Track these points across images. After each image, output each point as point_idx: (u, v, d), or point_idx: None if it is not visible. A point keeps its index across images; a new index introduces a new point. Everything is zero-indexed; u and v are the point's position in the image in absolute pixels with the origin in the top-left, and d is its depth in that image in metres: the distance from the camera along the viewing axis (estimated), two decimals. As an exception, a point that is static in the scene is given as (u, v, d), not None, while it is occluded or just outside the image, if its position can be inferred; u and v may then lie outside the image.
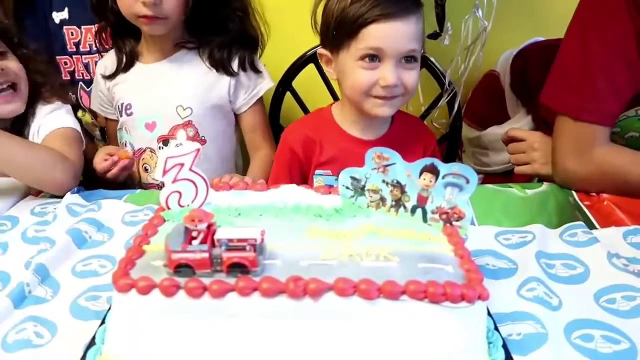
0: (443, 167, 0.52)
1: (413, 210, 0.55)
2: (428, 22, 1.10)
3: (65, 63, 1.17)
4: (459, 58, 1.11)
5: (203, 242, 0.45)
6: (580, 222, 0.72)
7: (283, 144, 0.91)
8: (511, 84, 1.21)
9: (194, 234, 0.46)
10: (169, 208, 0.56)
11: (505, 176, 1.21)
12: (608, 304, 0.56)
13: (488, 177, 1.24)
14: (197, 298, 0.44)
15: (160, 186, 1.01)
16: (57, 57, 1.16)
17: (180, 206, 0.56)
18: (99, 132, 1.20)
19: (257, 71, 1.03)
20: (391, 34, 0.76)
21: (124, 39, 1.00)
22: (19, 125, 0.94)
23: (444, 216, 0.53)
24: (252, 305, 0.44)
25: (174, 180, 0.55)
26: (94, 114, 1.19)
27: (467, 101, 1.33)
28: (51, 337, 0.52)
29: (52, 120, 0.93)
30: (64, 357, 0.49)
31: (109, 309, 0.51)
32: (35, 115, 0.94)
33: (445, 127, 1.22)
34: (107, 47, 1.05)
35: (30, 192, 0.87)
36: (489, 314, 0.52)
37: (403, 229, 0.53)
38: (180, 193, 0.56)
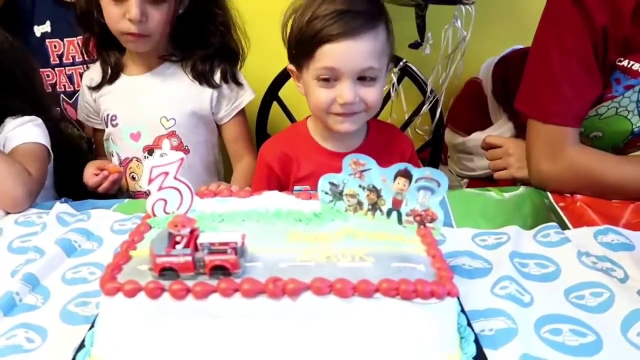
0: (416, 172, 0.55)
1: (389, 213, 0.57)
2: (410, 31, 1.15)
3: (48, 76, 1.19)
4: (439, 67, 1.14)
5: (186, 246, 0.48)
6: (554, 223, 0.74)
7: (260, 160, 0.92)
8: (493, 91, 1.24)
9: (178, 238, 0.48)
10: (154, 215, 0.58)
11: (490, 180, 1.24)
12: (577, 300, 0.59)
13: (473, 181, 1.27)
14: (181, 300, 0.46)
15: (147, 194, 1.03)
16: (41, 69, 1.17)
17: (166, 213, 0.58)
18: (86, 144, 1.22)
19: (238, 83, 1.06)
20: (345, 53, 0.77)
21: (109, 51, 1.02)
22: None
23: (417, 218, 0.56)
24: (234, 306, 0.46)
25: (159, 189, 0.57)
26: (81, 126, 1.21)
27: (450, 108, 1.36)
28: (42, 342, 0.54)
29: (20, 134, 0.93)
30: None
31: (98, 313, 0.53)
32: (4, 128, 0.94)
33: (428, 134, 1.25)
34: (92, 58, 1.07)
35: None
36: (463, 311, 0.55)
37: (379, 231, 0.55)
38: (165, 201, 0.58)
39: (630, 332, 0.53)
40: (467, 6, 1.03)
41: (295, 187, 0.89)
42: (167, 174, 0.57)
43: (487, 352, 0.51)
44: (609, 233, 0.72)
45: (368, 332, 0.46)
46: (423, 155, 1.29)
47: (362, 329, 0.46)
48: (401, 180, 0.56)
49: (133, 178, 1.04)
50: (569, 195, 0.84)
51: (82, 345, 0.51)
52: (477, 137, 1.23)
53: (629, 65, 0.83)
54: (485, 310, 0.57)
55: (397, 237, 0.55)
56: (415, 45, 1.14)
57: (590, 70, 0.83)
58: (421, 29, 1.13)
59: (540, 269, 0.65)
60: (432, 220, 0.56)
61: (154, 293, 0.46)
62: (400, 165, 0.56)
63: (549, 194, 0.86)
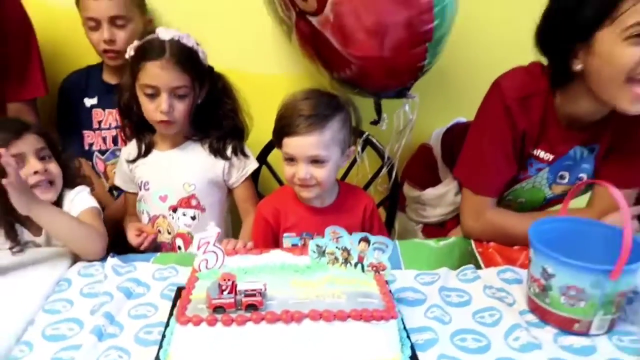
0: (372, 239, 0.86)
1: (355, 265, 0.87)
2: (371, 112, 1.47)
3: (88, 136, 1.51)
4: (393, 140, 1.47)
5: (230, 292, 0.76)
6: (471, 265, 1.06)
7: (258, 214, 1.21)
8: (442, 155, 1.56)
9: (224, 287, 0.77)
10: (200, 270, 0.87)
11: (439, 226, 1.57)
12: (480, 319, 0.90)
13: (426, 227, 1.58)
14: (228, 326, 0.75)
15: (169, 244, 1.31)
16: (83, 130, 1.51)
17: (207, 269, 0.87)
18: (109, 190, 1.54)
19: (245, 155, 1.34)
20: (297, 146, 1.06)
21: (144, 132, 1.31)
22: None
23: (374, 268, 0.86)
24: (261, 329, 0.75)
25: (204, 252, 0.86)
26: (106, 177, 1.52)
27: (407, 166, 1.67)
28: (129, 358, 0.81)
29: (80, 201, 1.18)
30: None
31: (162, 337, 0.81)
32: (64, 199, 1.20)
33: (386, 190, 1.57)
34: (129, 137, 1.36)
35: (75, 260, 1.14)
36: (405, 328, 0.85)
37: (349, 277, 0.85)
38: (207, 260, 0.87)
39: (509, 339, 0.84)
40: (411, 99, 1.35)
41: (285, 234, 1.18)
42: (208, 243, 0.86)
43: (419, 354, 0.80)
44: (507, 272, 1.04)
45: (344, 342, 0.75)
46: (385, 205, 1.61)
47: (340, 340, 0.75)
48: (363, 244, 0.86)
49: (159, 231, 1.31)
50: (486, 242, 1.16)
51: (157, 358, 0.78)
52: (429, 192, 1.54)
53: (538, 154, 1.17)
54: (419, 327, 0.87)
55: (361, 281, 0.85)
56: (375, 123, 1.45)
57: (509, 159, 1.15)
58: (378, 111, 1.45)
59: (459, 298, 0.96)
60: (383, 269, 0.86)
61: (212, 323, 0.74)
62: (362, 234, 0.86)
63: (472, 242, 1.18)
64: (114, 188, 1.51)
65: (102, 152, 1.52)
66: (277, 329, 0.75)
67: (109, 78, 1.52)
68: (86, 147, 1.51)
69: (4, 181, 0.96)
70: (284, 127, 1.07)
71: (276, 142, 1.12)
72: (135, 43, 1.21)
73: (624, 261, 0.78)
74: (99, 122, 1.51)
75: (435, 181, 1.55)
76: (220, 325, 0.75)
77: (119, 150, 1.47)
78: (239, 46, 1.61)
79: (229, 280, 0.77)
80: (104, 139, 1.51)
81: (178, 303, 0.80)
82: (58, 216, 1.08)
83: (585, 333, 0.85)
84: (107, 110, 1.50)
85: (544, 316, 0.88)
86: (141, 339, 0.85)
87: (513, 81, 1.12)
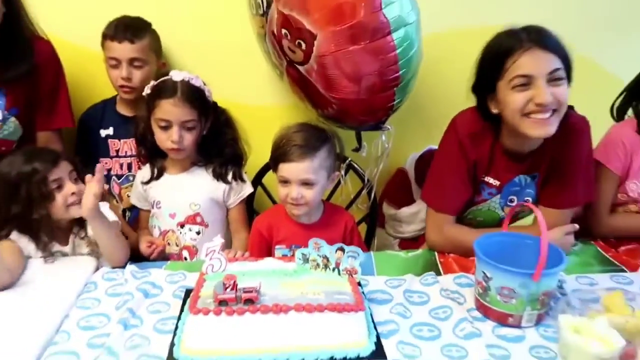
0: (347, 248, 1.06)
1: (333, 270, 1.08)
2: (353, 140, 1.69)
3: (106, 163, 1.72)
4: (372, 165, 1.69)
5: (232, 289, 0.97)
6: (432, 272, 1.26)
7: (254, 228, 1.42)
8: (415, 179, 1.78)
9: (227, 285, 0.97)
10: (207, 273, 1.07)
11: (414, 240, 1.78)
12: (435, 315, 1.10)
13: (403, 241, 1.79)
14: (230, 316, 0.95)
15: (177, 255, 1.51)
16: (101, 158, 1.72)
17: (213, 272, 1.07)
18: (121, 211, 1.73)
19: (243, 180, 1.55)
20: (292, 170, 1.27)
21: (157, 158, 1.52)
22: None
23: (348, 272, 1.07)
24: (256, 318, 0.95)
25: (211, 259, 1.06)
26: (121, 198, 1.72)
27: (386, 187, 1.90)
28: (149, 343, 1.01)
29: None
30: (160, 349, 0.98)
31: (175, 327, 1.01)
32: None
33: (366, 209, 1.78)
34: (143, 161, 1.58)
35: (98, 266, 1.33)
36: (373, 321, 1.05)
37: (328, 279, 1.06)
38: (212, 265, 1.07)
39: (456, 329, 1.05)
40: (386, 130, 1.57)
41: (277, 246, 1.39)
42: (214, 251, 1.06)
43: (382, 340, 1.00)
44: (462, 277, 1.25)
45: (322, 329, 0.95)
46: (366, 221, 1.82)
47: (319, 328, 0.95)
48: (339, 253, 1.07)
49: (168, 244, 1.52)
50: (446, 254, 1.38)
51: (172, 343, 0.98)
52: (405, 210, 1.76)
53: (488, 180, 1.39)
54: (385, 320, 1.07)
55: (337, 282, 1.05)
56: (356, 150, 1.68)
57: (465, 183, 1.37)
58: (359, 140, 1.67)
59: (419, 298, 1.16)
60: (355, 273, 1.06)
61: (217, 313, 0.94)
62: (339, 244, 1.07)
63: (436, 253, 1.39)
64: (126, 209, 1.72)
65: (119, 177, 1.74)
66: (269, 318, 0.95)
67: (122, 110, 1.74)
68: (104, 173, 1.71)
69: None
70: (280, 154, 1.29)
71: (272, 166, 1.33)
72: (152, 83, 1.42)
73: (542, 266, 0.99)
74: (116, 151, 1.73)
75: (410, 201, 1.77)
76: (224, 315, 0.94)
77: (133, 175, 1.69)
78: (238, 82, 1.83)
79: (231, 280, 0.97)
80: (121, 165, 1.73)
81: (189, 299, 1.00)
82: (107, 227, 1.29)
83: (517, 325, 1.05)
84: (122, 140, 1.72)
85: (486, 312, 1.09)
86: (158, 329, 1.05)
87: (465, 120, 1.35)
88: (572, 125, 1.28)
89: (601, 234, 1.47)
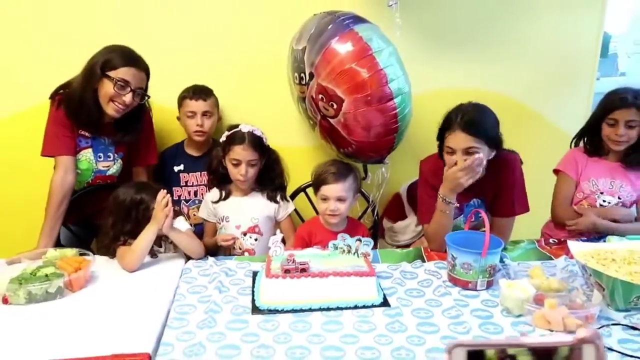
0: (363, 240, 1.64)
1: (354, 253, 1.65)
2: (361, 171, 2.29)
3: (177, 190, 2.30)
4: (375, 190, 2.28)
5: (292, 262, 1.54)
6: (420, 260, 1.84)
7: (298, 234, 2.00)
8: (407, 200, 2.39)
9: (289, 260, 1.54)
10: (273, 255, 1.64)
11: (406, 247, 2.34)
12: (420, 285, 1.67)
13: (398, 248, 2.37)
14: (292, 279, 1.52)
15: (242, 251, 2.08)
16: (174, 187, 2.29)
17: (276, 255, 1.64)
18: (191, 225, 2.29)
19: (287, 201, 2.14)
20: (330, 190, 1.88)
21: (225, 184, 2.11)
22: None
23: (364, 255, 1.64)
24: (308, 280, 1.52)
25: (275, 247, 1.63)
26: (189, 216, 2.29)
27: (386, 208, 2.49)
28: (237, 300, 1.57)
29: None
30: (245, 302, 1.54)
31: (252, 292, 1.58)
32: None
33: (371, 223, 2.37)
34: (209, 186, 2.16)
35: (186, 259, 1.89)
36: (380, 286, 1.62)
37: (351, 259, 1.63)
38: (276, 250, 1.64)
39: (435, 292, 1.61)
40: (386, 164, 2.18)
41: (315, 247, 1.95)
42: (277, 241, 1.64)
43: (387, 297, 1.57)
44: (439, 263, 1.82)
45: (349, 287, 1.52)
46: (370, 233, 2.40)
47: (347, 286, 1.52)
48: (358, 243, 1.65)
49: (234, 247, 2.08)
50: (430, 250, 1.95)
51: (253, 299, 1.54)
52: (399, 224, 2.36)
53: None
54: (387, 287, 1.64)
55: (357, 260, 1.62)
56: (363, 179, 2.28)
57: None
58: (365, 171, 2.28)
59: (411, 276, 1.73)
60: (368, 255, 1.64)
61: (284, 277, 1.51)
62: (358, 237, 1.65)
63: (422, 248, 1.96)
64: (193, 225, 2.29)
65: (187, 201, 2.33)
66: (315, 280, 1.52)
67: (190, 151, 2.35)
68: (176, 198, 2.30)
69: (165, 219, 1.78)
70: (321, 180, 1.90)
71: (315, 189, 1.94)
72: (227, 132, 2.04)
73: (486, 248, 1.57)
74: (186, 182, 2.33)
75: (403, 216, 2.37)
76: (288, 279, 1.51)
77: (198, 200, 2.28)
78: (280, 128, 2.45)
79: (292, 257, 1.55)
80: (189, 192, 2.32)
81: (262, 271, 1.57)
82: (183, 234, 1.86)
83: (474, 289, 1.62)
84: (190, 174, 2.32)
85: (454, 281, 1.66)
86: (240, 292, 1.62)
87: (426, 162, 1.99)
88: (505, 161, 1.89)
89: (557, 219, 2.19)
